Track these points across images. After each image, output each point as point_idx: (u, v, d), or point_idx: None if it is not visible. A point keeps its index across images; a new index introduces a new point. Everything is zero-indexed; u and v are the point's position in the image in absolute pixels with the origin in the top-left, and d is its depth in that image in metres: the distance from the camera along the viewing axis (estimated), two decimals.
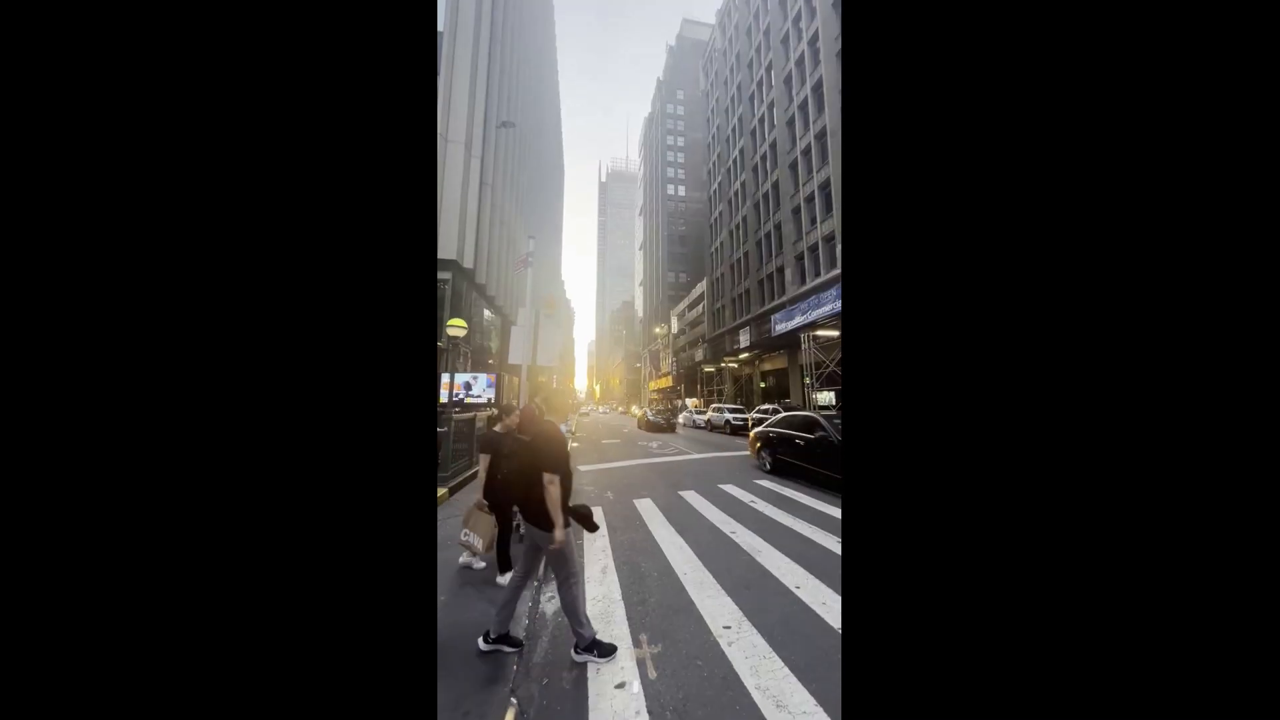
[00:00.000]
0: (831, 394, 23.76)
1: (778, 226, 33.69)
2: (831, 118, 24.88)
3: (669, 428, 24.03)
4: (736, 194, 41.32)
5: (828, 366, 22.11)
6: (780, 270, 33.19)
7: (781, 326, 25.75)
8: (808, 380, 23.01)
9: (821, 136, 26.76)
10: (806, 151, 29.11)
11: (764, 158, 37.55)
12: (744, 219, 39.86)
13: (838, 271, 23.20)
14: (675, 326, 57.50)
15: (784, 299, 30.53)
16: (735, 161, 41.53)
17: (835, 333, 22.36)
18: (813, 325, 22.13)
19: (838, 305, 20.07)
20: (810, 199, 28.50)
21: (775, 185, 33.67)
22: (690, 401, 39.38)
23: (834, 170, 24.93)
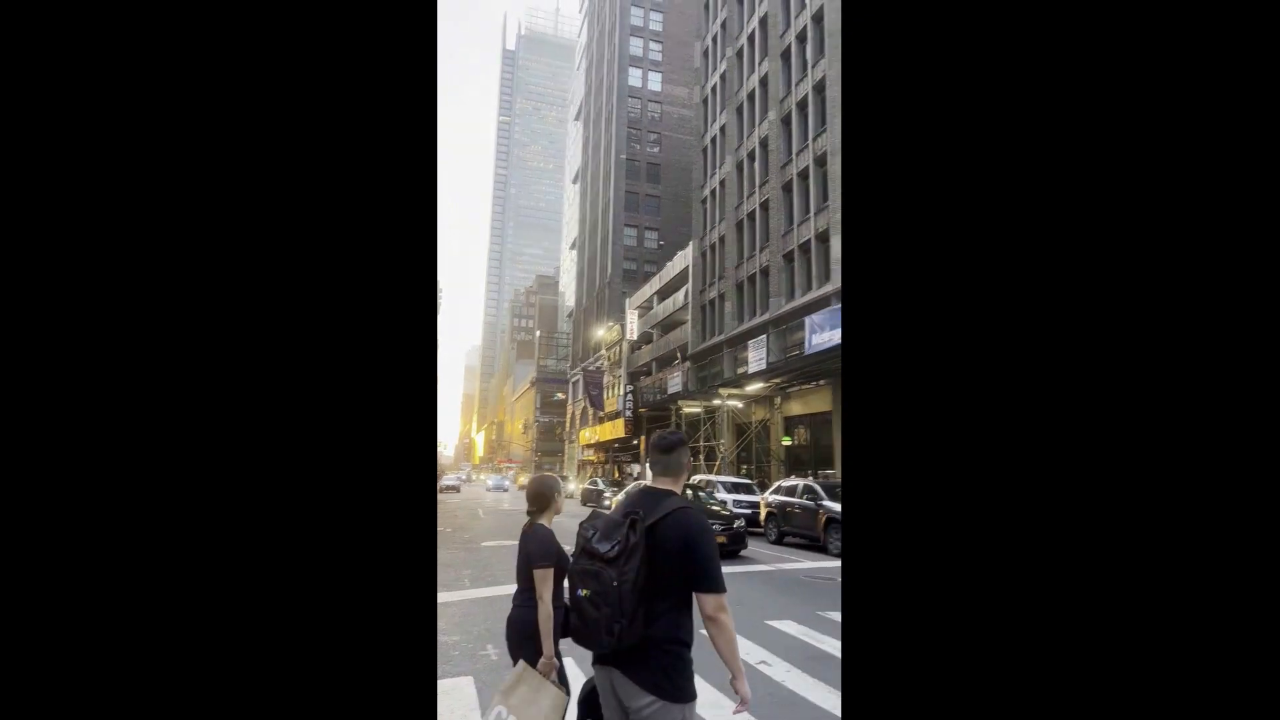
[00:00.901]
0: None
1: (820, 160, 20.62)
2: None
3: (732, 547, 10.49)
4: (753, 96, 25.11)
5: None
6: (823, 237, 20.36)
7: (819, 339, 16.46)
8: None
9: None
10: None
11: (803, 35, 21.04)
12: (763, 142, 23.95)
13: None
14: (633, 329, 36.23)
15: (828, 289, 19.13)
16: (753, 37, 25.09)
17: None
18: None
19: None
20: None
21: (820, 86, 20.78)
22: None
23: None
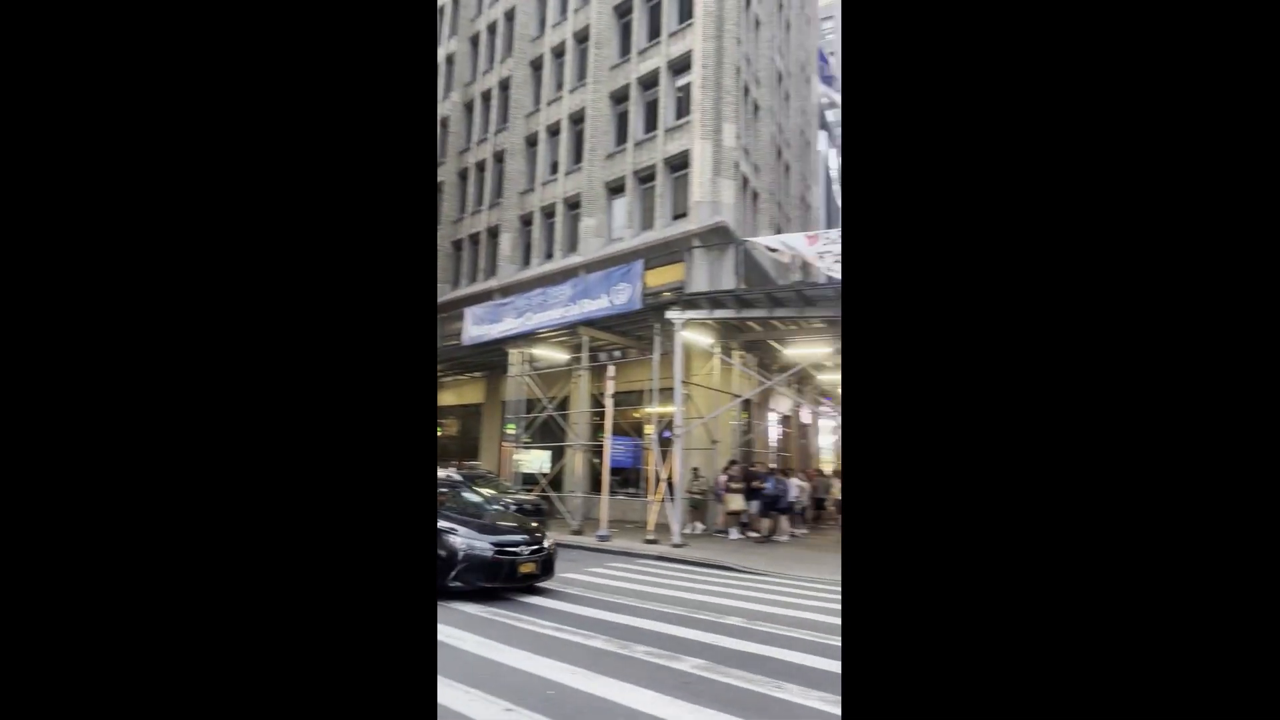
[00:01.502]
0: (546, 456, 15.34)
1: (499, 156, 20.84)
2: None
3: (541, 576, 6.59)
4: (437, 70, 23.66)
5: (545, 409, 13.59)
6: (494, 233, 20.42)
7: (478, 331, 15.98)
8: (511, 429, 15.08)
9: (628, 7, 16.90)
10: (561, 51, 18.73)
11: (494, 29, 21.37)
12: (444, 122, 23.03)
13: (581, 259, 16.07)
14: None
15: (493, 284, 19.28)
16: (444, 10, 23.84)
17: (564, 356, 14.78)
18: (530, 338, 14.34)
19: (578, 311, 13.28)
20: (556, 129, 18.40)
21: (505, 84, 20.93)
22: None
23: (591, 98, 16.83)
